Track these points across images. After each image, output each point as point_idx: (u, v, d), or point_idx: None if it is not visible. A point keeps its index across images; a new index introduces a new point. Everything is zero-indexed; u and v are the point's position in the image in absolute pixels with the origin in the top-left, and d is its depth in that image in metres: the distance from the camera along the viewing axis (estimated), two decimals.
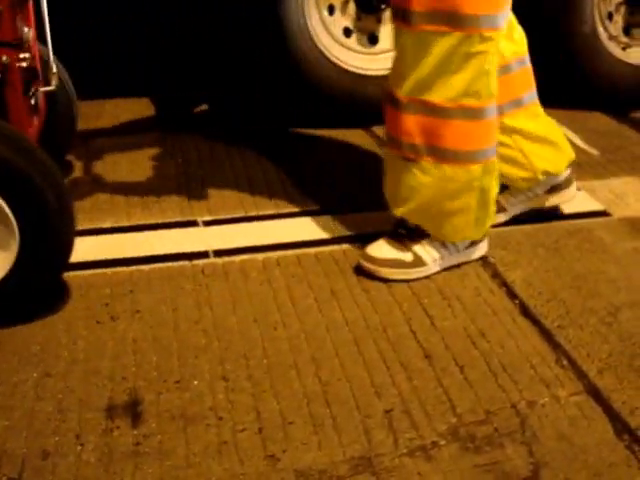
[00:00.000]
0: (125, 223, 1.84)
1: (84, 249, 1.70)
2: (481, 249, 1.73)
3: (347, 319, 1.52)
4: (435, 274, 1.65)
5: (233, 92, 2.64)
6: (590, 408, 1.33)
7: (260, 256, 1.71)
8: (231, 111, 2.62)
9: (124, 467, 1.19)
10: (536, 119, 1.82)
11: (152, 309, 1.53)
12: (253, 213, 1.90)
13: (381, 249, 1.65)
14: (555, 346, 1.47)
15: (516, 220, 1.87)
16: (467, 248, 1.69)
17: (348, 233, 1.81)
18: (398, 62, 1.57)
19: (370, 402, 1.33)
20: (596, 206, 1.98)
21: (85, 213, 1.86)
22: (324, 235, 1.80)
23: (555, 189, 1.87)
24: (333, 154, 2.23)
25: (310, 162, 2.17)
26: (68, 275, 1.61)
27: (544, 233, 1.84)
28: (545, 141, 1.82)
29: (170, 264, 1.68)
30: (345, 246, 1.76)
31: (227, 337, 1.46)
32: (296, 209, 1.91)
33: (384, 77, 2.44)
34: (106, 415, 1.28)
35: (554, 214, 1.89)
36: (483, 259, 1.72)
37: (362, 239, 1.78)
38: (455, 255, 1.68)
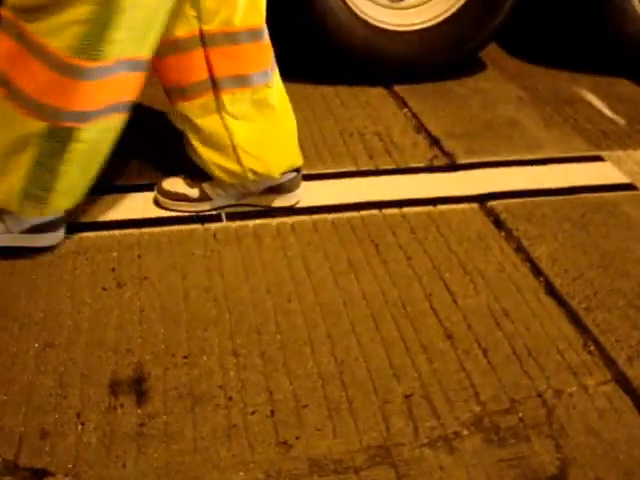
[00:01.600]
0: (135, 182, 1.69)
1: (94, 208, 1.57)
2: (49, 238, 1.43)
3: (365, 293, 1.37)
4: (456, 248, 1.51)
5: None
6: (619, 399, 1.19)
7: (274, 221, 1.56)
8: None
9: (127, 450, 1.06)
10: (262, 107, 1.48)
11: (161, 275, 1.38)
12: None
13: None
14: (582, 330, 1.33)
15: (542, 191, 1.72)
16: (28, 232, 1.41)
17: (366, 199, 1.66)
18: None
19: (389, 385, 1.19)
20: (621, 179, 1.81)
21: None
22: (341, 200, 1.65)
23: (274, 190, 1.57)
24: (353, 112, 2.06)
25: (327, 120, 2.00)
26: (74, 237, 1.48)
27: (570, 206, 1.68)
28: (265, 136, 1.50)
29: (181, 227, 1.52)
30: (363, 213, 1.60)
31: (239, 308, 1.32)
32: (312, 171, 1.75)
33: (411, 33, 2.30)
34: (109, 391, 1.15)
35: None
36: (507, 231, 1.58)
37: (381, 205, 1.63)
38: (13, 237, 1.41)
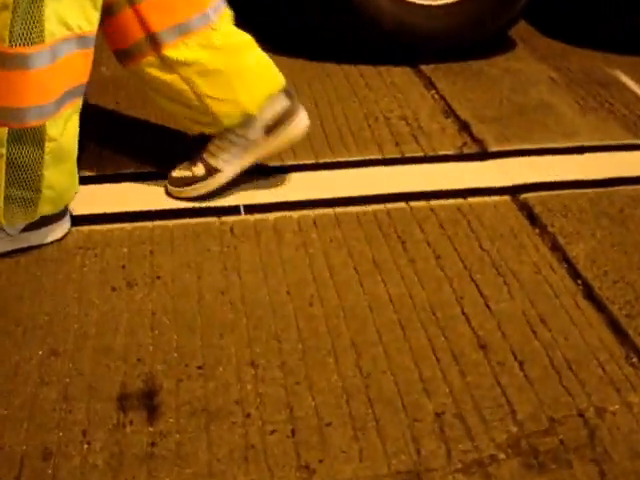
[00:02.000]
0: (149, 169, 1.58)
1: (103, 198, 1.46)
2: (56, 231, 1.34)
3: (392, 296, 1.27)
4: (488, 246, 1.40)
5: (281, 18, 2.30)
6: None
7: (296, 214, 1.45)
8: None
9: (136, 474, 0.97)
10: (213, 50, 1.35)
11: (174, 275, 1.28)
12: (290, 162, 1.61)
13: None
14: (623, 339, 1.22)
15: (578, 183, 1.60)
16: (26, 231, 1.31)
17: (393, 190, 1.55)
18: None
19: (419, 402, 1.09)
20: None
21: (107, 158, 1.61)
22: (366, 191, 1.54)
23: (277, 125, 1.43)
24: (378, 94, 1.93)
25: (351, 102, 1.87)
26: (83, 229, 1.38)
27: (607, 200, 1.55)
28: (227, 77, 1.36)
29: (196, 220, 1.41)
30: (390, 206, 1.49)
31: (257, 313, 1.22)
32: (336, 159, 1.63)
33: (437, 7, 2.16)
34: (118, 406, 1.05)
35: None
36: (542, 228, 1.46)
37: (408, 197, 1.52)
38: (14, 240, 1.31)
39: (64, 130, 1.22)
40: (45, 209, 1.27)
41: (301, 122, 1.46)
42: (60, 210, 1.31)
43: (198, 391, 1.08)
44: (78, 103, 1.25)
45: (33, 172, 1.21)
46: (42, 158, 1.20)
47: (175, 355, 1.14)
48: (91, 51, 1.24)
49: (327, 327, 1.20)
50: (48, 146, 1.20)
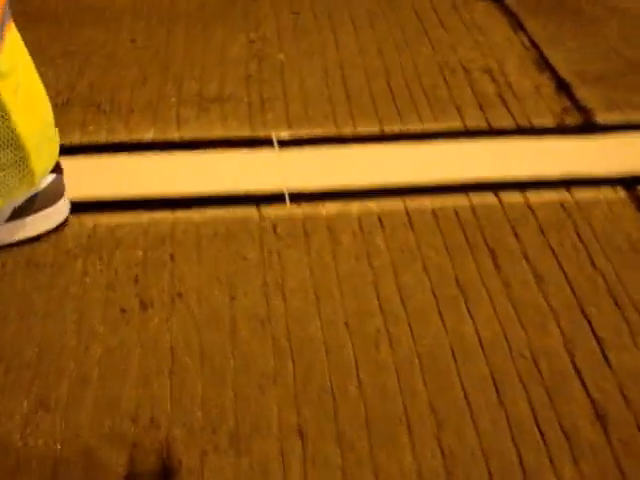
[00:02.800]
0: (174, 136, 1.27)
1: (111, 176, 1.17)
2: (50, 218, 1.04)
3: (482, 337, 0.98)
4: (602, 263, 1.09)
5: None
6: None
7: (355, 207, 1.14)
8: None
9: None
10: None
11: (200, 292, 1.00)
12: (348, 131, 1.30)
13: None
14: None
15: None
16: (11, 220, 1.01)
17: (478, 175, 1.23)
18: None
19: None
20: None
21: (120, 118, 1.29)
22: (443, 175, 1.22)
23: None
24: (455, 36, 1.57)
25: (423, 47, 1.52)
26: (87, 222, 1.09)
27: None
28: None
29: (228, 211, 1.13)
30: (475, 199, 1.18)
31: (306, 356, 0.94)
32: (406, 127, 1.30)
33: None
34: None
35: None
36: None
37: (498, 187, 1.20)
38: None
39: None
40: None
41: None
42: (39, 186, 1.02)
43: (228, 471, 0.83)
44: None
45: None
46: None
47: (199, 415, 0.87)
48: None
49: (398, 381, 0.92)
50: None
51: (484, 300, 1.02)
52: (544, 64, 1.50)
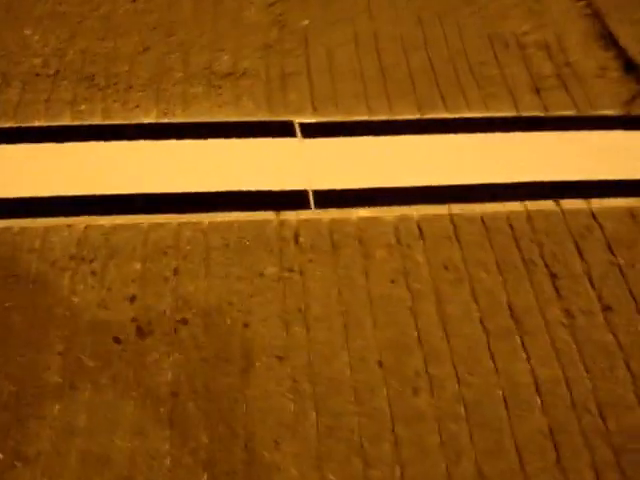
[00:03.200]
0: (178, 119, 1.10)
1: (100, 172, 1.01)
2: None
3: (538, 380, 0.82)
4: None
5: None
6: None
7: (390, 213, 0.98)
8: None
9: None
10: None
11: (207, 317, 0.85)
12: (382, 117, 1.13)
13: None
14: None
15: None
16: None
17: (530, 173, 1.06)
18: None
19: None
20: None
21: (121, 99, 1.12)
22: (493, 176, 1.05)
23: None
24: (506, 3, 1.38)
25: (469, 16, 1.32)
26: (78, 224, 0.93)
27: None
28: None
29: (244, 216, 0.97)
30: (531, 206, 1.00)
31: (331, 403, 0.79)
32: (450, 115, 1.13)
33: None
34: None
35: None
36: None
37: (557, 190, 1.03)
38: None
39: None
40: None
41: None
42: None
43: None
44: None
45: None
46: None
47: (205, 479, 0.74)
48: None
49: (440, 438, 0.78)
50: None
51: (542, 334, 0.87)
52: (609, 40, 1.31)
